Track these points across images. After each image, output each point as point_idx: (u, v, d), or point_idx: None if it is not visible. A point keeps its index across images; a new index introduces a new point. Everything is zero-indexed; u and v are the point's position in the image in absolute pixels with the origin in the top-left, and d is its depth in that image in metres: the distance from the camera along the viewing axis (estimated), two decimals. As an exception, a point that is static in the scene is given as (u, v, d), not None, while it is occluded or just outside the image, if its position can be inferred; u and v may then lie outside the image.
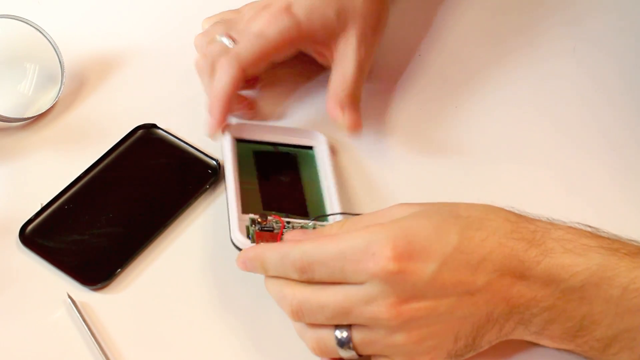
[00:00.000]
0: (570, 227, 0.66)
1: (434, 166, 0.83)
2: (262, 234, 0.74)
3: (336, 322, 0.66)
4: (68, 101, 0.87)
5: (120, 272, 0.75)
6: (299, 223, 0.75)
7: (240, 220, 0.75)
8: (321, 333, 0.67)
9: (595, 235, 0.66)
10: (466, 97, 0.88)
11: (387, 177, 0.82)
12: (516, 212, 0.67)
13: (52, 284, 0.74)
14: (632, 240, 0.66)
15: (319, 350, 0.68)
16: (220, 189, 0.80)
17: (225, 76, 0.79)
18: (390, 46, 0.87)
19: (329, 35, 0.82)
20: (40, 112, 0.84)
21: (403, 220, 0.66)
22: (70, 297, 0.73)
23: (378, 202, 0.78)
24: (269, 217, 0.75)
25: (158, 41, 0.92)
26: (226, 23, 0.84)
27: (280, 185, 0.79)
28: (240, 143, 0.81)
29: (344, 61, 0.81)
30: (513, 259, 0.64)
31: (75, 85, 0.88)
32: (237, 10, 0.86)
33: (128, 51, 0.91)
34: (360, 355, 0.67)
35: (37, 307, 0.73)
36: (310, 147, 0.83)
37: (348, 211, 0.77)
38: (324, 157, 0.81)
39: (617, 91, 0.88)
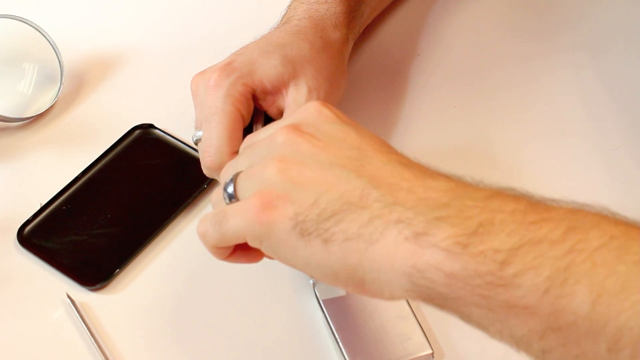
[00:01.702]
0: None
1: (434, 167, 0.82)
2: None
3: (238, 168, 0.62)
4: (67, 101, 0.87)
5: (119, 273, 0.75)
6: None
7: None
8: (217, 195, 0.63)
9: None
10: (466, 97, 0.88)
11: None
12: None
13: (51, 284, 0.74)
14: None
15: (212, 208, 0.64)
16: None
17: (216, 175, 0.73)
18: (390, 46, 0.87)
19: (278, 83, 0.75)
20: (39, 112, 0.84)
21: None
22: (69, 297, 0.73)
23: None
24: None
25: (157, 41, 0.92)
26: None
27: None
28: None
29: (294, 108, 0.75)
30: (422, 166, 0.59)
31: (74, 85, 0.88)
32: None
33: (127, 51, 0.91)
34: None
35: (36, 307, 0.73)
36: None
37: None
38: None
39: (617, 91, 0.88)
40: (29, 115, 0.84)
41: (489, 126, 0.86)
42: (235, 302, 0.74)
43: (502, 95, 0.88)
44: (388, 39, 0.87)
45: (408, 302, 0.72)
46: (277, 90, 0.76)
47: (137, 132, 0.83)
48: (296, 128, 0.61)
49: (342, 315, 0.72)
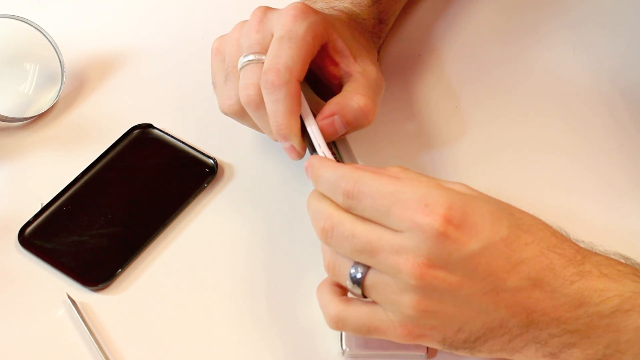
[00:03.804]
0: (607, 255, 0.64)
1: (434, 167, 0.82)
2: None
3: (358, 259, 0.63)
4: (68, 101, 0.87)
5: (120, 273, 0.75)
6: None
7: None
8: (341, 262, 0.64)
9: (629, 265, 0.64)
10: (466, 97, 0.88)
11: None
12: (563, 232, 0.65)
13: (52, 284, 0.74)
14: None
15: (331, 270, 0.65)
16: (218, 188, 0.80)
17: (283, 96, 0.70)
18: (390, 46, 0.87)
19: (350, 49, 0.75)
20: (40, 112, 0.84)
21: (464, 193, 0.64)
22: (70, 297, 0.73)
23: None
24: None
25: (157, 41, 0.92)
26: (233, 47, 0.76)
27: None
28: None
29: (362, 80, 0.74)
30: (549, 272, 0.62)
31: (75, 85, 0.88)
32: (234, 37, 0.77)
33: (127, 51, 0.91)
34: (364, 295, 0.65)
35: (37, 308, 0.73)
36: None
37: None
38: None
39: (617, 91, 0.88)
40: (29, 115, 0.84)
41: (490, 126, 0.86)
42: (236, 301, 0.74)
43: (503, 95, 0.88)
44: (388, 39, 0.87)
45: None
46: (346, 55, 0.75)
47: (136, 132, 0.84)
48: (427, 267, 0.61)
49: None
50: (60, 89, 0.85)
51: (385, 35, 0.87)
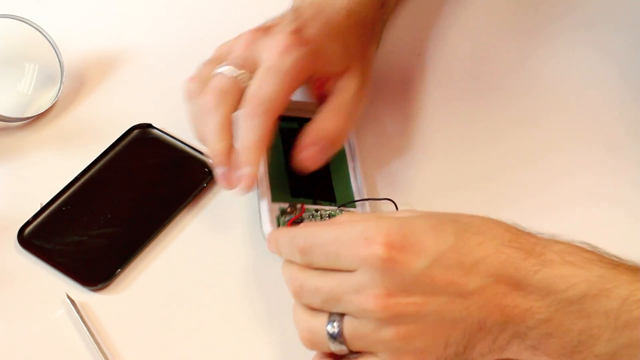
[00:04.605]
0: (572, 244, 0.65)
1: (434, 166, 0.82)
2: (291, 225, 0.75)
3: (328, 309, 0.65)
4: (68, 101, 0.87)
5: (119, 273, 0.75)
6: (327, 211, 0.77)
7: (270, 210, 0.75)
8: (314, 323, 0.66)
9: (595, 252, 0.64)
10: (466, 96, 0.88)
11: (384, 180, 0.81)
12: (519, 227, 0.66)
13: (52, 284, 0.74)
14: (633, 262, 0.65)
15: (309, 341, 0.67)
16: (217, 187, 0.80)
17: (259, 124, 0.73)
18: (390, 46, 0.87)
19: (335, 72, 0.78)
20: (39, 112, 0.84)
21: (402, 217, 0.66)
22: (69, 297, 0.73)
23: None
24: (297, 206, 0.76)
25: (157, 41, 0.92)
26: (219, 57, 0.78)
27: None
28: None
29: (340, 96, 0.77)
30: (509, 266, 0.63)
31: (74, 85, 0.88)
32: (227, 45, 0.80)
33: (127, 51, 0.91)
34: (351, 352, 0.66)
35: (37, 308, 0.73)
36: None
37: (374, 196, 0.79)
38: (350, 136, 0.81)
39: (617, 91, 0.88)
40: (29, 115, 0.84)
41: (490, 126, 0.86)
42: (236, 301, 0.74)
43: (503, 95, 0.88)
44: (389, 39, 0.87)
45: None
46: (331, 77, 0.77)
47: (136, 132, 0.84)
48: (387, 297, 0.63)
49: None
50: (59, 88, 0.85)
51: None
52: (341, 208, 0.77)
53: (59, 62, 0.86)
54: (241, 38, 0.78)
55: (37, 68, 0.86)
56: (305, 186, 0.78)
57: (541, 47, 0.91)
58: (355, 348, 0.66)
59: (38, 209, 0.78)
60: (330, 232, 0.66)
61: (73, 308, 0.72)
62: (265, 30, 0.77)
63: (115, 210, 0.78)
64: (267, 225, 0.75)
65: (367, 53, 0.81)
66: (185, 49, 0.91)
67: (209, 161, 0.81)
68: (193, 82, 0.77)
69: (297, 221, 0.76)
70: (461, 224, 0.64)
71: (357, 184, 0.79)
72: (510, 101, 0.88)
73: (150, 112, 0.85)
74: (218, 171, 0.74)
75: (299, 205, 0.76)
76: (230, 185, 0.74)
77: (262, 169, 0.77)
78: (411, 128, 0.85)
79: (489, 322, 0.63)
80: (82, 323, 0.72)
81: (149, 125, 0.84)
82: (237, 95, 0.74)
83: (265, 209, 0.75)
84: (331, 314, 0.65)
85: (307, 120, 0.78)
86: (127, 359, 0.71)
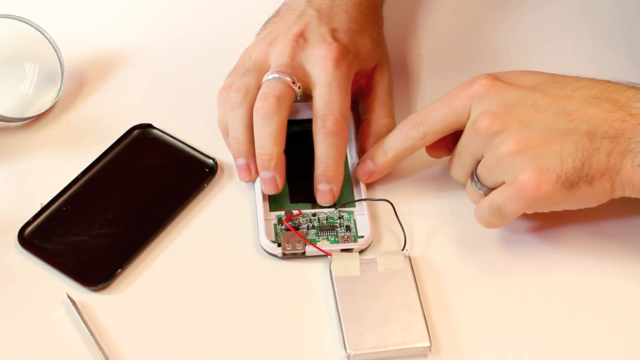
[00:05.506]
0: None
1: (434, 166, 0.82)
2: (287, 233, 0.75)
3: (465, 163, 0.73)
4: (68, 101, 0.87)
5: (120, 273, 0.75)
6: (325, 213, 0.77)
7: (267, 220, 0.76)
8: (469, 190, 0.74)
9: None
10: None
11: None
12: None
13: (52, 284, 0.74)
14: None
15: (474, 200, 0.74)
16: (218, 187, 0.80)
17: (338, 142, 0.77)
18: (390, 46, 0.87)
19: (373, 66, 0.82)
20: (40, 112, 0.84)
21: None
22: (69, 297, 0.73)
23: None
24: (294, 212, 0.76)
25: (157, 41, 0.92)
26: (251, 66, 0.80)
27: (307, 171, 0.78)
28: None
29: (381, 87, 0.82)
30: (611, 93, 0.68)
31: (75, 85, 0.88)
32: (247, 54, 0.83)
33: (127, 51, 0.91)
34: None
35: (37, 308, 0.73)
36: None
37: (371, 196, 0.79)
38: (350, 135, 0.81)
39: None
40: (29, 115, 0.84)
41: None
42: (236, 301, 0.74)
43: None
44: (388, 39, 0.87)
45: (418, 292, 0.73)
46: (364, 70, 0.81)
47: (136, 132, 0.84)
48: (495, 115, 0.70)
49: (350, 294, 0.72)
50: (60, 89, 0.85)
51: None
52: (339, 209, 0.77)
53: (59, 62, 0.86)
54: (279, 43, 0.79)
55: (38, 68, 0.86)
56: (304, 190, 0.78)
57: (541, 47, 0.91)
58: (488, 183, 0.72)
59: (38, 209, 0.78)
60: (434, 102, 0.74)
61: (73, 308, 0.72)
62: (306, 42, 0.78)
63: (115, 211, 0.78)
64: (264, 237, 0.75)
65: (383, 36, 0.85)
66: (186, 49, 0.91)
67: (210, 161, 0.81)
68: (236, 92, 0.77)
69: (294, 220, 0.76)
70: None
71: (359, 187, 0.79)
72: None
73: (151, 112, 0.85)
74: (266, 175, 0.76)
75: (295, 212, 0.76)
76: (277, 190, 0.77)
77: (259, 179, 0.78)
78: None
79: (599, 133, 0.68)
80: (82, 323, 0.72)
81: (150, 126, 0.84)
82: (291, 102, 0.76)
83: (262, 221, 0.76)
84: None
85: (307, 121, 0.78)
86: (127, 359, 0.71)
